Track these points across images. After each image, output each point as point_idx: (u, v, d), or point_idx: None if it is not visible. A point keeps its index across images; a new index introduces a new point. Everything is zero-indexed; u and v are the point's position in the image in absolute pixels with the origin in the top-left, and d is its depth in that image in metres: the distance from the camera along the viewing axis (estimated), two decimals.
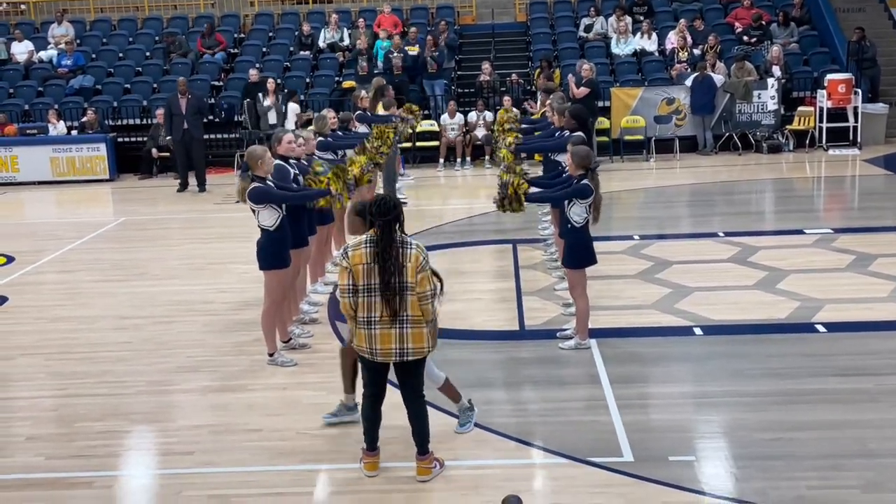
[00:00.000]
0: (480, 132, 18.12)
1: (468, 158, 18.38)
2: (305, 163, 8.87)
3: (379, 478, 5.87)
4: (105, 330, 9.11)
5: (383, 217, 5.49)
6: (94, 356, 8.34)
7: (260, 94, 18.29)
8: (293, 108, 17.65)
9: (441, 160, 18.44)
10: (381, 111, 14.19)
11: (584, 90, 16.43)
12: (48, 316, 9.67)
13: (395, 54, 19.23)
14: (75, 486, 5.98)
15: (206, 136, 18.62)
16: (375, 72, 18.79)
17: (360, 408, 6.11)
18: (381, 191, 13.27)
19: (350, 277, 5.54)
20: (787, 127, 18.50)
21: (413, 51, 19.63)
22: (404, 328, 5.56)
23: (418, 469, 5.83)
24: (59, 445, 6.57)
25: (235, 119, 19.28)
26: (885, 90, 19.54)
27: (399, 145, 14.65)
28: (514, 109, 16.92)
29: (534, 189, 8.55)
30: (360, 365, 5.97)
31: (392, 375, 5.85)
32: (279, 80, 19.84)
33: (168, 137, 17.33)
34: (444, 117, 18.48)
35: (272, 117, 18.06)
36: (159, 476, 6.16)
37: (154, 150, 18.44)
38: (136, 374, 7.85)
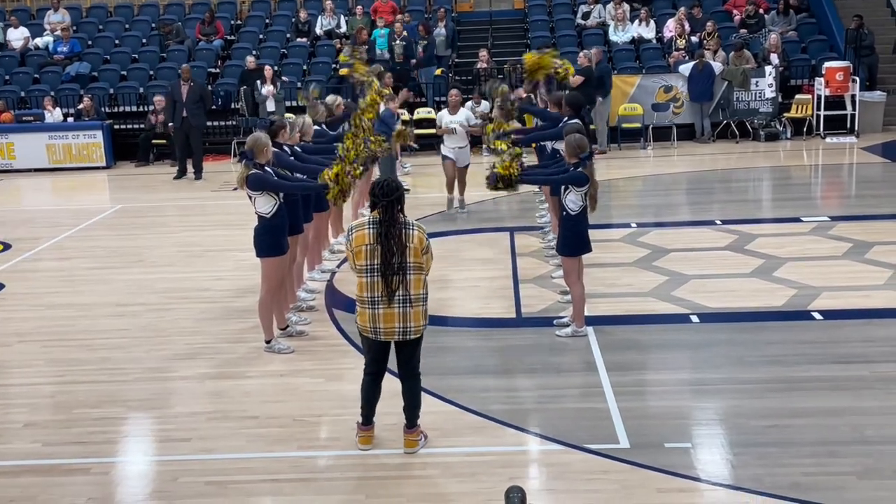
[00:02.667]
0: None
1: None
2: (299, 150, 8.84)
3: (376, 464, 5.90)
4: (102, 317, 9.10)
5: (386, 198, 5.65)
6: (91, 343, 8.35)
7: (258, 82, 18.24)
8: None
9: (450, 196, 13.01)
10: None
11: (578, 79, 16.39)
12: (45, 303, 9.67)
13: (397, 42, 19.17)
14: (73, 473, 5.99)
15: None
16: (375, 59, 18.73)
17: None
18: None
19: (352, 258, 5.75)
20: (785, 115, 18.49)
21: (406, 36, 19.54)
22: (406, 307, 5.74)
23: (406, 441, 6.01)
24: (57, 432, 6.57)
25: (232, 106, 19.24)
26: (882, 78, 19.51)
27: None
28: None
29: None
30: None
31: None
32: (276, 68, 19.80)
33: (170, 124, 17.29)
34: (443, 114, 12.97)
35: (270, 105, 18.03)
36: (156, 462, 6.16)
37: (158, 118, 18.18)
38: (133, 361, 7.85)
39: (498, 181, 8.34)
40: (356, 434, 6.09)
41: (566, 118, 9.74)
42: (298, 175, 8.33)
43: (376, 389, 6.03)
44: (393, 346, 5.93)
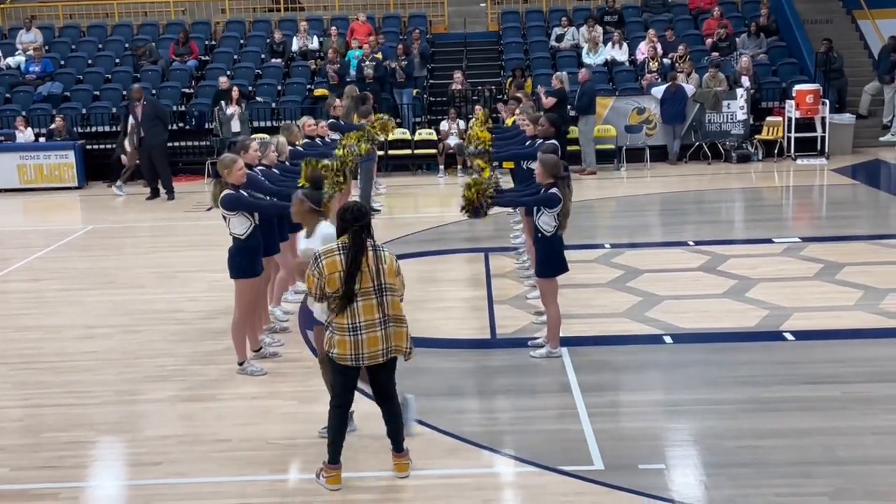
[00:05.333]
0: (453, 140, 18.12)
1: (441, 167, 18.39)
2: (276, 171, 8.81)
3: (349, 488, 5.83)
4: (72, 339, 9.00)
5: (358, 222, 5.53)
6: (60, 366, 8.24)
7: (223, 102, 18.19)
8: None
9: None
10: (356, 120, 14.02)
11: (551, 100, 16.50)
12: (14, 325, 9.55)
13: (367, 63, 19.22)
14: (41, 498, 5.89)
15: (177, 144, 18.50)
16: (348, 80, 18.74)
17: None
18: (353, 199, 13.22)
19: (319, 287, 5.55)
20: (756, 137, 18.68)
21: (377, 57, 19.57)
22: (388, 328, 5.63)
23: (398, 465, 5.93)
24: (25, 456, 6.47)
25: (206, 127, 19.17)
26: (851, 100, 19.78)
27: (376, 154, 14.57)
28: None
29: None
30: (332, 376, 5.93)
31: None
32: (251, 88, 19.78)
33: (125, 144, 17.21)
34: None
35: (235, 125, 17.96)
36: (127, 487, 6.08)
37: (123, 157, 18.29)
38: (103, 384, 7.76)
39: (466, 207, 8.24)
40: (321, 474, 5.86)
41: (540, 139, 9.77)
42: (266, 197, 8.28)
43: (346, 423, 5.92)
44: (365, 371, 5.82)
